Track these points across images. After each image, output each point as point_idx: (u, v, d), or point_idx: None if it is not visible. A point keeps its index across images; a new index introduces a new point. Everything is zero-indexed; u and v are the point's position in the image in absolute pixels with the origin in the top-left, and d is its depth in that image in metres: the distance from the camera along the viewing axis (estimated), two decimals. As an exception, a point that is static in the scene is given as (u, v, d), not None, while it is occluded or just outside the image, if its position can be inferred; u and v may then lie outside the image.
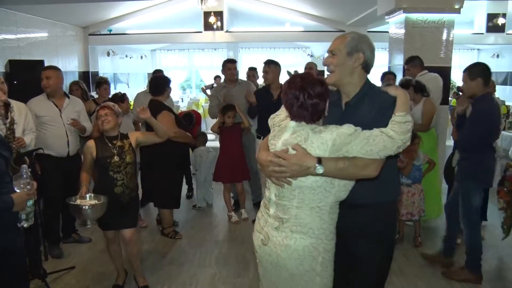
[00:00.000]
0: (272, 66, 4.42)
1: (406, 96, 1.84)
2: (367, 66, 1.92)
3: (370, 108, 1.84)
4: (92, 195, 2.90)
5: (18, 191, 2.07)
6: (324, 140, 1.72)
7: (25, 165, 2.20)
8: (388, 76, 5.22)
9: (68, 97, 3.88)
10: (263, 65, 4.48)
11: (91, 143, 3.01)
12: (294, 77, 1.85)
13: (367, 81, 1.94)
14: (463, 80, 3.31)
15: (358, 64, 1.88)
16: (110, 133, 3.02)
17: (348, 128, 1.72)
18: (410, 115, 1.77)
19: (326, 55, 1.99)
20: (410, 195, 3.92)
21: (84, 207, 2.75)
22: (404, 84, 4.13)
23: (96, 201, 2.83)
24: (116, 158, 2.96)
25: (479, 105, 3.15)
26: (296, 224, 1.79)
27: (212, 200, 5.26)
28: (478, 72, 3.22)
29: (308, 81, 1.79)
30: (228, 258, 3.75)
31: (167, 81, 4.18)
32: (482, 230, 4.31)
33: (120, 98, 4.41)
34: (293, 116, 1.81)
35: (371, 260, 1.95)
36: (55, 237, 3.85)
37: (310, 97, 1.76)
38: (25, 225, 2.18)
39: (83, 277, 3.43)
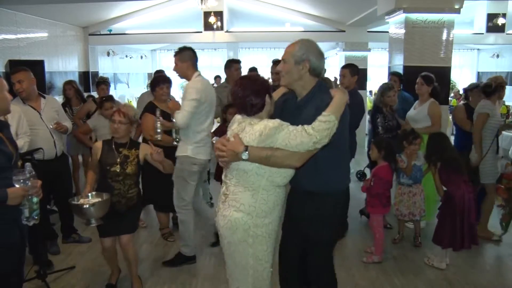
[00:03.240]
0: None
1: (342, 98, 2.07)
2: (314, 71, 2.18)
3: (313, 108, 2.10)
4: (94, 193, 2.86)
5: (17, 186, 2.09)
6: (254, 131, 2.00)
7: (29, 163, 2.21)
8: (392, 78, 5.22)
9: (44, 97, 3.76)
10: (272, 64, 4.38)
11: (99, 145, 2.99)
12: (239, 77, 2.20)
13: (317, 83, 2.20)
14: (343, 74, 4.12)
15: (305, 71, 2.16)
16: (119, 140, 2.97)
17: (274, 122, 1.99)
18: (334, 116, 1.98)
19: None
20: (412, 195, 3.92)
21: (85, 206, 2.70)
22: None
23: (99, 199, 2.77)
24: (116, 167, 2.89)
25: (354, 97, 3.40)
26: (232, 199, 2.11)
27: (204, 203, 5.21)
28: (358, 70, 4.14)
29: (244, 80, 2.15)
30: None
31: (153, 82, 4.09)
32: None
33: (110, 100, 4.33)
34: (237, 110, 2.16)
35: (321, 240, 2.31)
36: (50, 235, 3.87)
37: (244, 93, 2.05)
38: (29, 223, 2.19)
39: (83, 277, 3.43)
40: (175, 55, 3.47)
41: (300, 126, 1.98)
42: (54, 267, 3.49)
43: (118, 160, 2.91)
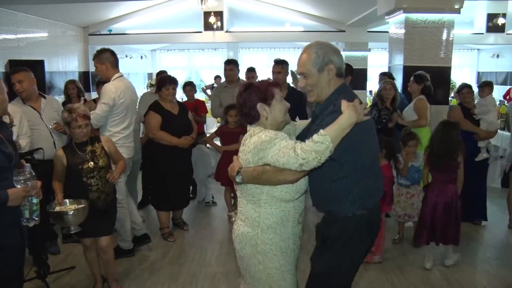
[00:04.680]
0: (284, 66, 4.27)
1: (349, 119, 1.77)
2: (339, 71, 1.96)
3: (321, 116, 1.91)
4: (71, 200, 2.82)
5: (18, 186, 2.08)
6: (251, 142, 1.91)
7: (28, 164, 2.21)
8: (383, 78, 5.28)
9: (44, 97, 3.75)
10: (274, 64, 4.28)
11: (60, 153, 2.92)
12: (241, 86, 2.08)
13: (337, 89, 1.96)
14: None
15: (332, 75, 1.94)
16: (80, 140, 2.93)
17: (267, 135, 1.87)
18: (329, 138, 1.72)
19: None
20: (409, 197, 3.91)
21: (70, 213, 2.67)
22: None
23: (78, 206, 2.76)
24: (89, 164, 2.88)
25: None
26: (240, 212, 2.05)
27: (209, 199, 5.31)
28: (352, 70, 4.33)
29: (239, 90, 2.03)
30: (228, 258, 3.75)
31: (159, 83, 4.14)
32: (482, 230, 4.32)
33: None
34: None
35: (317, 270, 2.06)
36: (50, 235, 3.86)
37: (238, 103, 2.01)
38: (29, 224, 2.19)
39: (83, 277, 3.43)
40: (93, 58, 3.59)
41: (293, 142, 1.82)
42: (50, 270, 3.45)
43: (87, 157, 2.91)
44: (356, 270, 2.11)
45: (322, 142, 1.73)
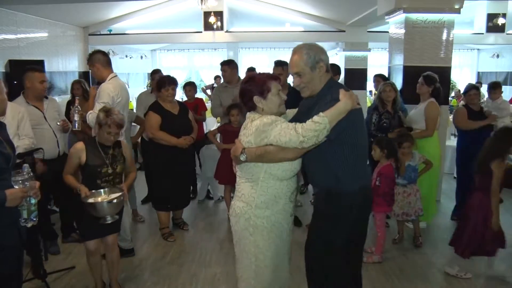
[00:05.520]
0: (285, 67, 4.22)
1: (345, 105, 2.02)
2: (328, 68, 2.21)
3: (319, 105, 2.10)
4: (105, 189, 2.78)
5: (16, 187, 2.08)
6: (253, 125, 2.12)
7: (26, 164, 2.20)
8: (376, 79, 5.31)
9: (46, 98, 3.77)
10: (274, 66, 4.25)
11: (80, 146, 2.82)
12: (244, 78, 2.35)
13: (327, 83, 2.19)
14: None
15: (322, 72, 2.18)
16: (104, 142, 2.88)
17: (268, 118, 2.09)
18: (327, 119, 1.96)
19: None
20: (406, 195, 3.90)
21: (114, 201, 2.65)
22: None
23: (117, 194, 2.73)
24: (108, 169, 2.84)
25: None
26: (238, 190, 2.27)
27: (219, 196, 5.37)
28: (339, 69, 4.46)
29: (243, 80, 2.31)
30: (229, 258, 3.75)
31: (159, 83, 4.12)
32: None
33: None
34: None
35: (327, 242, 2.24)
36: (50, 235, 3.86)
37: (239, 92, 2.25)
38: (28, 225, 2.18)
39: (83, 277, 3.43)
40: (87, 63, 3.61)
41: (293, 123, 2.04)
42: (46, 273, 3.43)
43: (108, 161, 2.86)
44: (351, 245, 2.27)
45: (321, 123, 1.97)
